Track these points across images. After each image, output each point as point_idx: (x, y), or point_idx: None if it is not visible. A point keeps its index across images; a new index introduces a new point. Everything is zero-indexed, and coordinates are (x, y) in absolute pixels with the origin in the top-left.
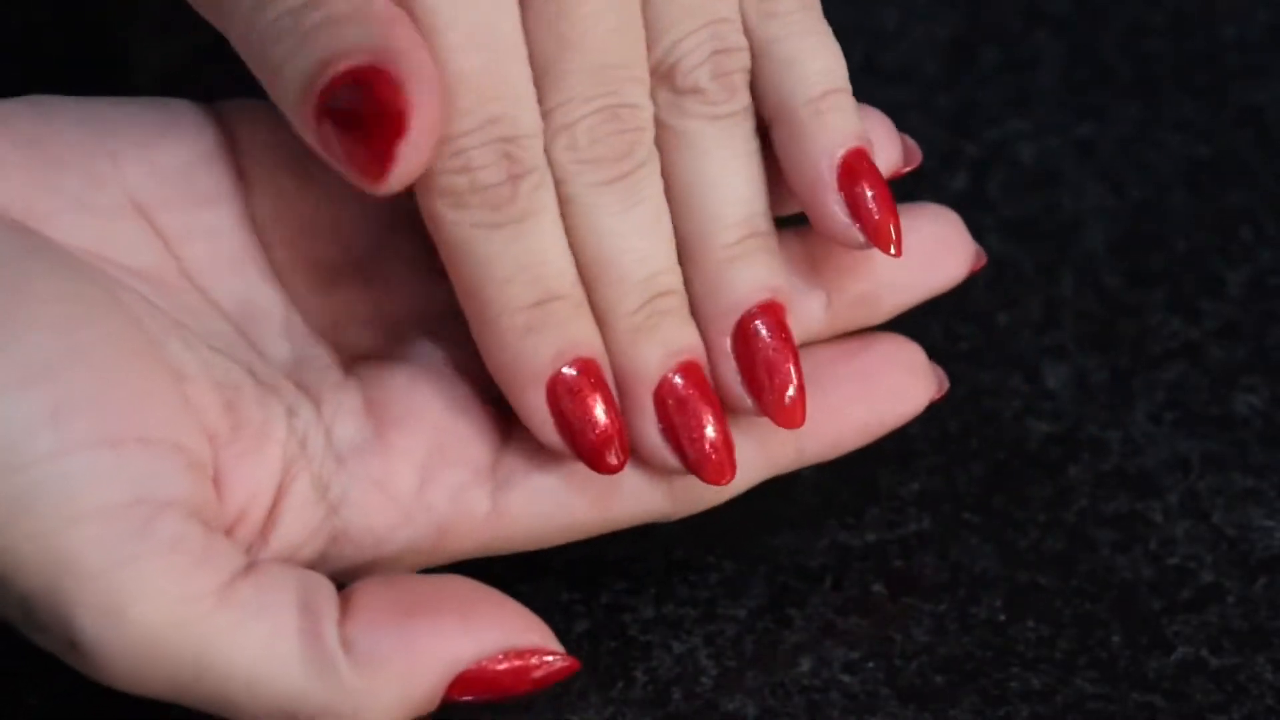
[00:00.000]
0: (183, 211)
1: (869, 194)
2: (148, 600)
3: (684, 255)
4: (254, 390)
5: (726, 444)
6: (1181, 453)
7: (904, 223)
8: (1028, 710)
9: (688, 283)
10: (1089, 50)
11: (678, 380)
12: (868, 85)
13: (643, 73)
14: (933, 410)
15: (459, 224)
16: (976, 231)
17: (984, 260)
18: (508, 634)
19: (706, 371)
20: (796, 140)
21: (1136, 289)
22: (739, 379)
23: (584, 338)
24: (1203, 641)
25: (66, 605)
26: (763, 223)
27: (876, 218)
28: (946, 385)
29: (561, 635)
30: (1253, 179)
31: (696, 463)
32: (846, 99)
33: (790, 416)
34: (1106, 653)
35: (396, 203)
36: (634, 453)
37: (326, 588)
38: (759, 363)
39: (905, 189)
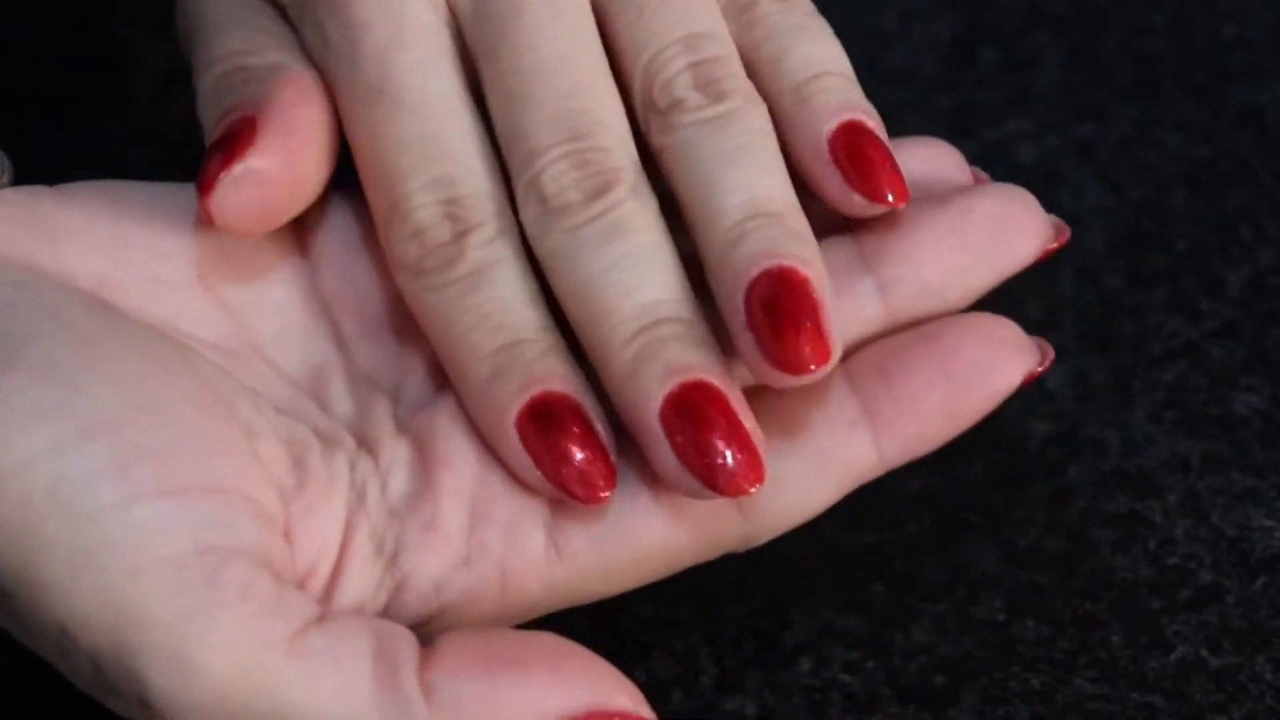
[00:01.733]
0: (250, 287)
1: (867, 164)
2: (218, 650)
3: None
4: (319, 447)
5: (744, 451)
6: (1181, 453)
7: (966, 203)
8: (1028, 710)
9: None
10: (1089, 51)
11: (680, 396)
12: (868, 86)
13: (608, 115)
14: None
15: (420, 291)
16: None
17: (1066, 234)
18: (595, 693)
19: (730, 390)
20: (785, 130)
21: (1136, 289)
22: (756, 349)
23: (551, 373)
24: (1202, 641)
25: (135, 659)
26: (772, 204)
27: (875, 181)
28: (1051, 355)
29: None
30: (1253, 179)
31: (711, 479)
32: (834, 80)
33: (802, 361)
34: (1106, 652)
35: None
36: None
37: (406, 636)
38: (776, 322)
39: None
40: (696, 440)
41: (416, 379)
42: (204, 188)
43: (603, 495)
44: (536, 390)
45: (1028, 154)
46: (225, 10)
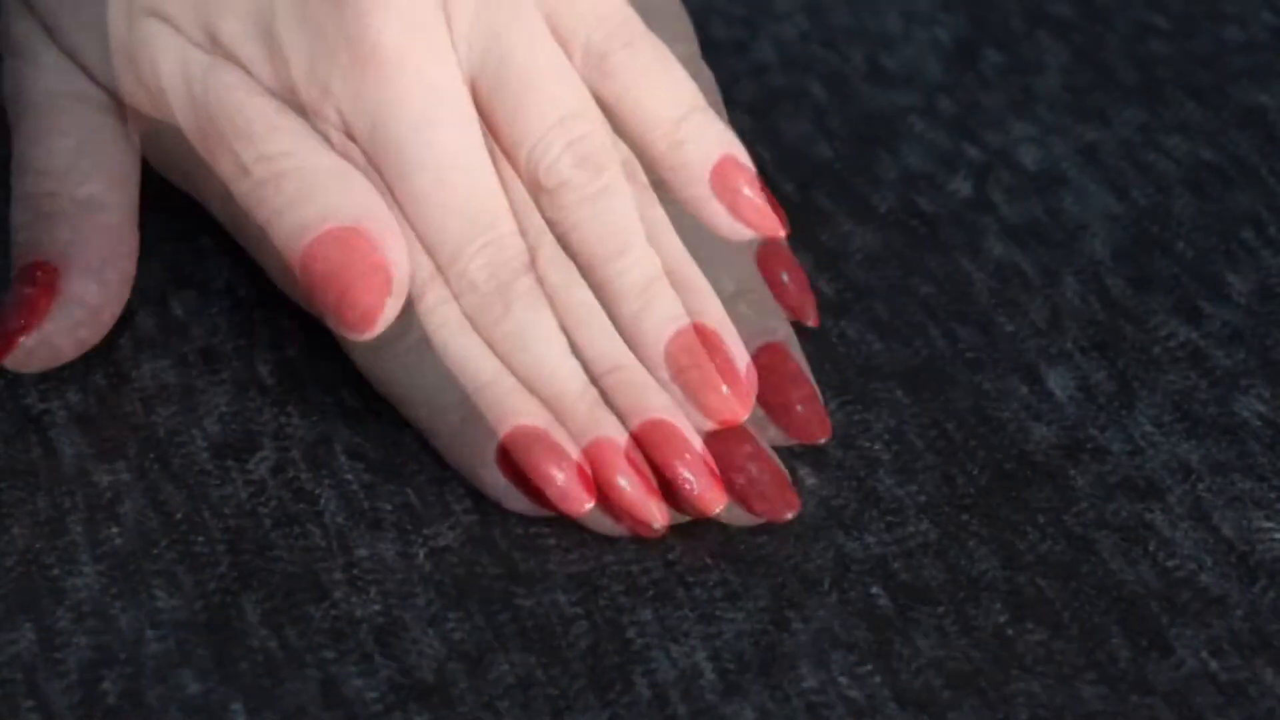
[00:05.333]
0: None
1: (746, 196)
2: None
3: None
4: None
5: (706, 475)
6: (1184, 457)
7: None
8: (1029, 716)
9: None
10: (1092, 53)
11: (640, 437)
12: (870, 89)
13: (503, 202)
14: (934, 415)
15: (376, 362)
16: (979, 235)
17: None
18: None
19: (680, 421)
20: (665, 172)
21: (1139, 293)
22: (683, 397)
23: (522, 409)
24: (1205, 647)
25: None
26: (662, 260)
27: (756, 213)
28: None
29: (561, 641)
30: (1256, 182)
31: (679, 504)
32: (697, 120)
33: (731, 415)
34: (1109, 658)
35: None
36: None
37: None
38: (689, 385)
39: (911, 194)
40: (666, 473)
41: None
42: (4, 346)
43: (585, 508)
44: (507, 427)
45: (1031, 157)
46: (49, 112)
